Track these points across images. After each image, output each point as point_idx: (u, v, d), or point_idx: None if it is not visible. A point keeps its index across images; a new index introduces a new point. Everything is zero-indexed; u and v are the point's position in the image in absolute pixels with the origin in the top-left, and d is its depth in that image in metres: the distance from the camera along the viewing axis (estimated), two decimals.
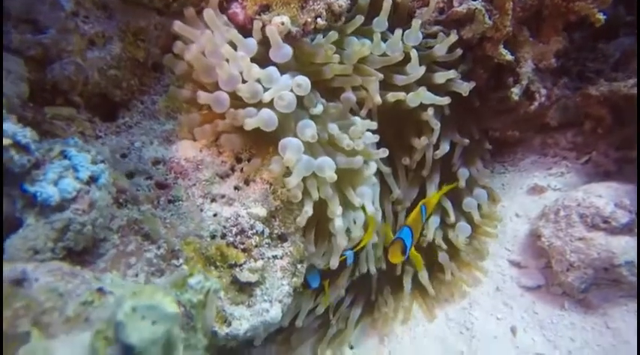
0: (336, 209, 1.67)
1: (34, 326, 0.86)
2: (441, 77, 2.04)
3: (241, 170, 1.70)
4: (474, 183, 2.28)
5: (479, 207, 2.25)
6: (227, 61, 1.60)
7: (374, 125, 1.83)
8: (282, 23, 1.67)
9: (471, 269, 2.30)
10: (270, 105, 1.64)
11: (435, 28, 2.11)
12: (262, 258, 1.62)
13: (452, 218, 2.19)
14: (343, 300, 2.19)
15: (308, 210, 1.64)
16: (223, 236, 1.59)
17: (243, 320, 1.53)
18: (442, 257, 2.20)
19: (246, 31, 1.71)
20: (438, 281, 2.27)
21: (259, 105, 1.64)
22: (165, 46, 1.78)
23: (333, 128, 1.72)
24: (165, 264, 1.43)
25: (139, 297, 0.84)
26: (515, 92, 2.22)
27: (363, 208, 1.81)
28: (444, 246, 2.19)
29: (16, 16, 1.49)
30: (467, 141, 2.23)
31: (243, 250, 1.60)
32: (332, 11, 1.78)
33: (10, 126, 1.18)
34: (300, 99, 1.69)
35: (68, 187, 1.22)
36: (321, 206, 1.70)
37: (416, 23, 1.93)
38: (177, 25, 1.65)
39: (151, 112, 1.78)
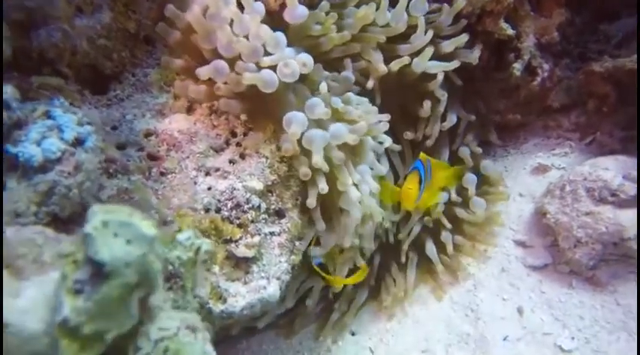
0: (346, 179, 1.60)
1: (5, 268, 0.79)
2: (449, 45, 1.98)
3: (236, 144, 1.64)
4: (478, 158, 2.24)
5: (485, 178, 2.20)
6: (231, 24, 1.54)
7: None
8: None
9: (483, 242, 2.23)
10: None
11: (434, 6, 2.06)
12: (259, 234, 1.57)
13: (472, 190, 2.12)
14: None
15: (323, 187, 1.57)
16: (218, 210, 1.53)
17: (240, 296, 1.48)
18: (445, 236, 2.14)
19: None
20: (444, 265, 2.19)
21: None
22: (157, 18, 1.72)
23: (337, 102, 1.67)
24: None
25: (112, 213, 0.76)
26: (517, 68, 2.18)
27: (381, 178, 1.78)
28: (449, 225, 2.13)
29: None
30: (473, 116, 2.19)
31: (239, 225, 1.55)
32: None
33: None
34: (303, 76, 1.64)
35: (52, 147, 1.15)
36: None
37: None
38: None
39: (143, 85, 1.73)
